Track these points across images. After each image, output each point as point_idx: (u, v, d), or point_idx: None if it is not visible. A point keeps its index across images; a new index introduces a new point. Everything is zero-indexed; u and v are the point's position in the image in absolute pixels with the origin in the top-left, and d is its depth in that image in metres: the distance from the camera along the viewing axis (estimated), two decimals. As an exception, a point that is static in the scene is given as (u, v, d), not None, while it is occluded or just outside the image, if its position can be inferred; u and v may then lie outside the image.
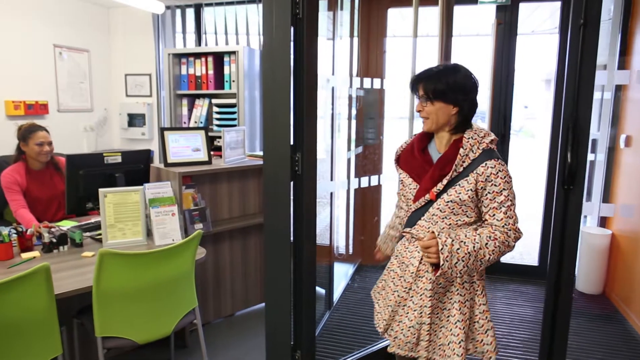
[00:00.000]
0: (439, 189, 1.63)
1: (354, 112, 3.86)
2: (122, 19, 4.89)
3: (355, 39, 3.86)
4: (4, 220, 3.20)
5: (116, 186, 2.62)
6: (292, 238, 2.01)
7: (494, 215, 1.59)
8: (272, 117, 1.89)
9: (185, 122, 4.33)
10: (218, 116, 4.15)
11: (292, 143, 1.93)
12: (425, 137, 1.77)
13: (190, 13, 4.71)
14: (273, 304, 2.03)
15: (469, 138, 1.62)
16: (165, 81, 4.42)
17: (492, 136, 1.64)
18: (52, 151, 2.99)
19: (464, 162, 1.61)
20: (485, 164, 1.58)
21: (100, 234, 2.64)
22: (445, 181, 1.62)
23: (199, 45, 4.66)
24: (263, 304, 3.50)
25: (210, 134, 3.97)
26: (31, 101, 4.10)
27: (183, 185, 2.80)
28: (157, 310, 2.17)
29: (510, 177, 1.60)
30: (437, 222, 1.65)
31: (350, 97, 3.78)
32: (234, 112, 4.07)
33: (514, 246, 1.58)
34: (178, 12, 4.69)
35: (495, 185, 1.57)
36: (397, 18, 5.18)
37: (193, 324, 2.37)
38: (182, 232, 2.67)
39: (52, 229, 2.51)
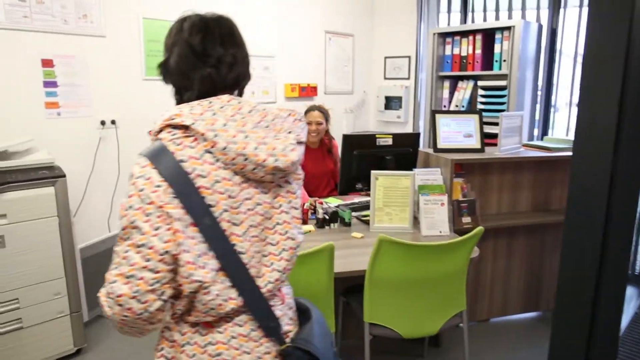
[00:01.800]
0: None
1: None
2: (386, 2, 4.91)
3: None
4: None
5: (386, 169, 2.55)
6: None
7: None
8: (592, 107, 1.44)
9: (445, 106, 4.09)
10: (484, 100, 3.77)
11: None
12: None
13: (457, -11, 4.40)
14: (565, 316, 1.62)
15: None
16: (426, 63, 4.26)
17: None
18: (320, 131, 3.13)
19: None
20: None
21: (365, 216, 2.62)
22: None
23: (464, 23, 4.32)
24: (524, 315, 3.06)
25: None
26: (304, 84, 4.47)
27: (453, 173, 2.56)
28: (426, 307, 2.01)
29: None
30: None
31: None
32: (502, 96, 3.62)
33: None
34: (445, -12, 4.44)
35: None
36: None
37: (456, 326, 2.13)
38: (450, 223, 2.44)
39: (324, 206, 2.61)
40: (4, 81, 2.88)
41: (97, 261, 3.09)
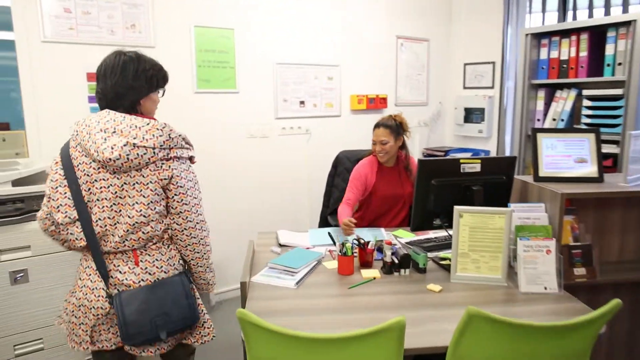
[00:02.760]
0: None
1: None
2: (466, 1, 4.33)
3: None
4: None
5: (472, 203, 2.02)
6: None
7: None
8: None
9: (539, 120, 3.44)
10: (590, 112, 3.09)
11: None
12: None
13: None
14: None
15: None
16: (517, 69, 3.64)
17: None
18: (388, 150, 2.64)
19: None
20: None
21: (444, 259, 2.10)
22: None
23: (564, 21, 3.65)
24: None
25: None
26: (372, 95, 4.00)
27: (563, 210, 1.97)
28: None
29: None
30: None
31: None
32: (617, 107, 2.93)
33: None
34: (539, -18, 3.78)
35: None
36: None
37: None
38: (559, 277, 1.85)
39: (394, 245, 2.12)
40: (48, 97, 2.69)
41: None
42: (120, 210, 1.52)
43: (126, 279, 1.55)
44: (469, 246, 1.92)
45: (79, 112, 2.78)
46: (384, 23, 4.05)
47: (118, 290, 1.55)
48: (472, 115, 4.28)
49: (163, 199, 1.56)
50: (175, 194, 1.56)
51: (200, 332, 1.75)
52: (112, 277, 1.55)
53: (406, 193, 2.74)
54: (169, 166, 1.54)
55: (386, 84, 4.15)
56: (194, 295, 1.70)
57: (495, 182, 2.10)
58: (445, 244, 2.27)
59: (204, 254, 1.70)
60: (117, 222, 1.52)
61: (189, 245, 1.64)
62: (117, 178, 1.50)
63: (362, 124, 4.00)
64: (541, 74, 3.40)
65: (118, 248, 1.54)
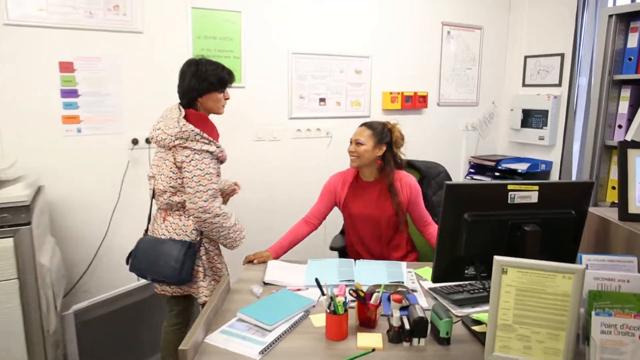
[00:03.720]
0: None
1: None
2: (530, -20, 3.59)
3: None
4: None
5: (523, 249, 1.37)
6: None
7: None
8: None
9: (620, 126, 2.68)
10: (698, 118, 2.30)
11: None
12: None
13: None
14: None
15: None
16: (593, 61, 2.89)
17: None
18: (361, 155, 2.10)
19: None
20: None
21: (478, 322, 1.48)
22: None
23: (659, 0, 2.84)
24: None
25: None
26: (409, 92, 3.36)
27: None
28: None
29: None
30: None
31: None
32: None
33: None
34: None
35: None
36: None
37: None
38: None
39: (410, 296, 1.52)
40: (14, 89, 2.29)
41: (119, 318, 2.36)
42: (158, 177, 1.95)
43: (156, 229, 1.99)
44: (514, 316, 1.28)
45: (50, 107, 2.37)
46: (426, 6, 3.39)
47: (148, 234, 2.04)
48: (531, 118, 3.53)
49: (179, 177, 1.88)
50: (183, 177, 1.85)
51: (196, 293, 1.98)
52: (153, 225, 2.04)
53: (384, 216, 2.15)
54: (182, 153, 1.83)
55: (427, 80, 3.49)
56: (189, 262, 1.89)
57: (559, 220, 1.45)
58: (482, 298, 1.63)
59: (213, 229, 1.91)
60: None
61: (197, 219, 1.88)
62: (162, 152, 1.93)
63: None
64: (628, 67, 2.63)
65: (159, 206, 2.01)
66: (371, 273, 1.94)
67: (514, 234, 1.42)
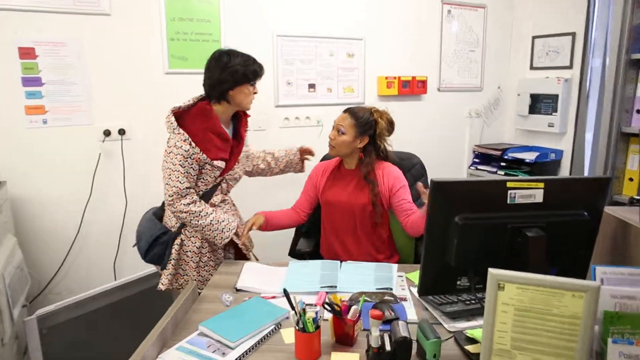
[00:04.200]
0: None
1: None
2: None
3: None
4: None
5: (526, 258, 1.16)
6: None
7: None
8: None
9: (639, 110, 2.43)
10: None
11: None
12: None
13: None
14: None
15: None
16: (608, 40, 2.63)
17: None
18: (338, 145, 1.94)
19: None
20: None
21: (472, 340, 1.27)
22: None
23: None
24: None
25: None
26: (407, 77, 3.12)
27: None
28: None
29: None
30: None
31: None
32: None
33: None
34: None
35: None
36: None
37: None
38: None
39: (397, 312, 1.32)
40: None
41: (93, 322, 2.19)
42: None
43: None
44: (512, 340, 1.07)
45: (11, 96, 2.18)
46: (425, -15, 3.14)
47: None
48: (540, 103, 3.28)
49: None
50: None
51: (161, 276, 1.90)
52: None
53: (358, 204, 1.96)
54: (168, 140, 1.79)
55: (426, 64, 3.25)
56: (159, 248, 1.85)
57: (569, 224, 1.23)
58: (476, 310, 1.42)
59: (186, 223, 1.82)
60: None
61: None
62: None
63: (393, 115, 3.14)
64: (646, 46, 2.38)
65: None
66: (357, 278, 1.74)
67: (514, 240, 1.20)
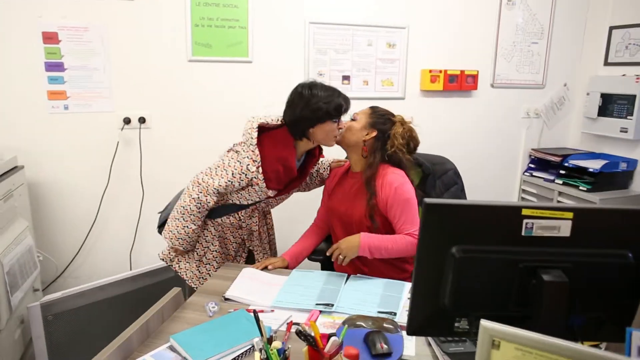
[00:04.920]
0: None
1: None
2: None
3: None
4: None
5: (539, 307, 0.91)
6: None
7: None
8: None
9: None
10: None
11: None
12: None
13: None
14: None
15: None
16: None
17: None
18: (347, 128, 1.73)
19: None
20: None
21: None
22: None
23: None
24: None
25: None
26: (454, 71, 2.81)
27: None
28: None
29: None
30: None
31: None
32: None
33: None
34: None
35: None
36: None
37: None
38: None
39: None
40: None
41: (101, 312, 2.16)
42: None
43: None
44: (511, 414, 0.83)
45: (34, 81, 2.17)
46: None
47: None
48: (612, 105, 2.84)
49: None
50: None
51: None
52: None
53: (356, 215, 1.73)
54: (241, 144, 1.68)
55: (478, 56, 2.91)
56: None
57: (604, 266, 0.95)
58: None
59: (181, 198, 1.69)
60: None
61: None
62: None
63: (437, 112, 2.86)
64: None
65: None
66: (359, 296, 1.54)
67: (526, 283, 0.95)
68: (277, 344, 1.09)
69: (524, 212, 0.94)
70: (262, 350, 1.08)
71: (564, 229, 0.95)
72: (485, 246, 0.96)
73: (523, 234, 0.95)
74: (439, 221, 0.96)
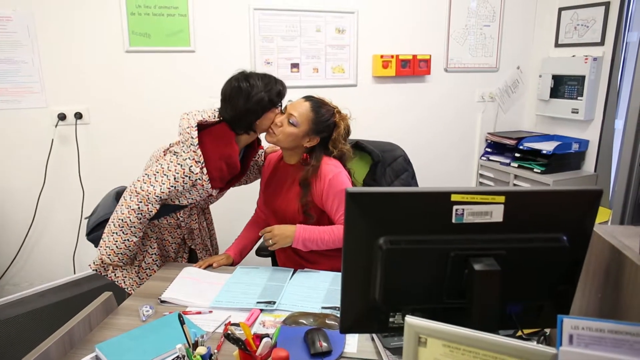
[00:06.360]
0: None
1: None
2: None
3: None
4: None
5: (471, 299, 0.86)
6: None
7: None
8: None
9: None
10: None
11: None
12: None
13: None
14: None
15: None
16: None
17: None
18: (283, 134, 1.62)
19: None
20: None
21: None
22: None
23: None
24: None
25: None
26: (407, 55, 2.76)
27: None
28: None
29: None
30: None
31: None
32: None
33: None
34: None
35: None
36: None
37: None
38: None
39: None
40: None
41: (46, 318, 2.03)
42: None
43: None
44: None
45: None
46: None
47: None
48: (564, 86, 2.85)
49: None
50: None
51: None
52: None
53: (289, 210, 1.68)
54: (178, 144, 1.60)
55: (431, 40, 2.87)
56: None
57: (539, 252, 0.91)
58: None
59: (119, 207, 1.56)
60: None
61: None
62: None
63: (389, 99, 2.81)
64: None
65: None
66: (304, 292, 1.47)
67: (458, 273, 0.89)
68: (201, 350, 1.01)
69: (454, 197, 0.89)
70: (185, 357, 1.00)
71: (496, 214, 0.90)
72: (415, 236, 0.90)
73: (454, 221, 0.90)
74: (363, 212, 0.89)
